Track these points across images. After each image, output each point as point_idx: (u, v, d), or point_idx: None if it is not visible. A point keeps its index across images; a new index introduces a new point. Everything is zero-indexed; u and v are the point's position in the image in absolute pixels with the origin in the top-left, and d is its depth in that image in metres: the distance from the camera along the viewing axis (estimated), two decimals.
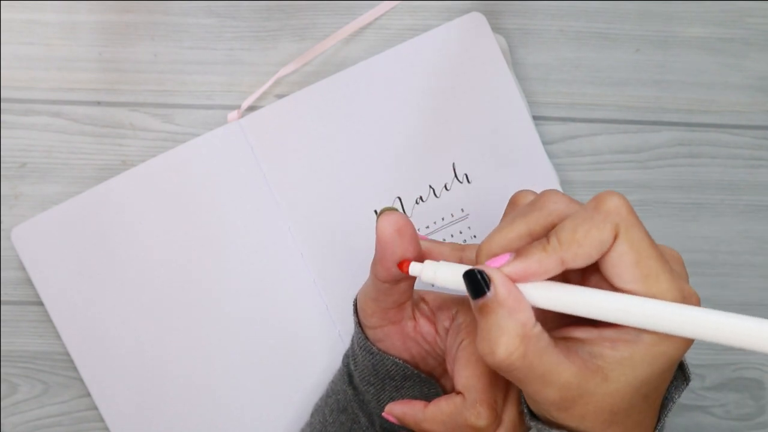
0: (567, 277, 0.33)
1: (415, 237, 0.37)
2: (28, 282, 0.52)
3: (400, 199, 0.52)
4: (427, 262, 0.36)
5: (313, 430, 0.46)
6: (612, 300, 0.32)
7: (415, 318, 0.41)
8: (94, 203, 0.51)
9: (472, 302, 0.33)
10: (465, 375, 0.37)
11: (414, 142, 0.52)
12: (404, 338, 0.40)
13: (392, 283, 0.38)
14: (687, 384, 0.36)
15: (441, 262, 0.36)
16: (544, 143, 0.53)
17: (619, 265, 0.32)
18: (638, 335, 0.32)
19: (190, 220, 0.52)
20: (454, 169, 0.52)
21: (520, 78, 0.54)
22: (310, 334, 0.52)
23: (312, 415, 0.48)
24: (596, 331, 0.33)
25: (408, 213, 0.52)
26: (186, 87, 0.53)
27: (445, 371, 0.42)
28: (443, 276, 0.35)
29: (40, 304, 0.52)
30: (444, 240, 0.52)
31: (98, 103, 0.53)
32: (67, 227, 0.51)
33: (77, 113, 0.53)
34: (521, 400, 0.37)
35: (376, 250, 0.37)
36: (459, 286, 0.34)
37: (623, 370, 0.32)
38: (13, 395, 0.53)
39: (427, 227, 0.52)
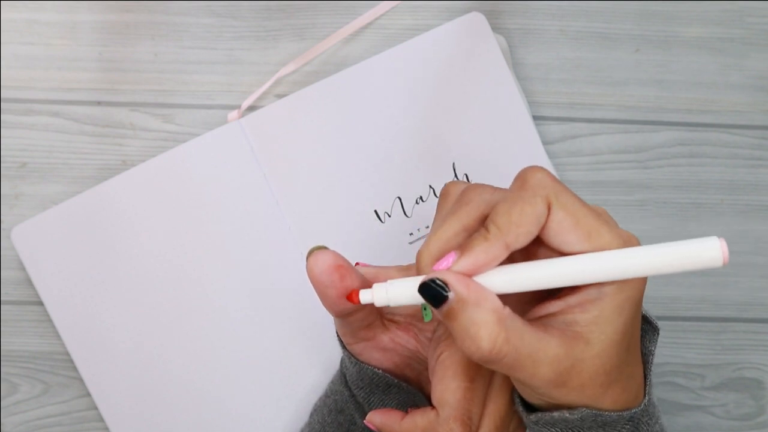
0: (512, 258, 0.33)
1: (351, 270, 0.36)
2: (28, 282, 0.52)
3: (400, 199, 0.52)
4: (375, 285, 0.35)
5: (312, 430, 0.46)
6: (568, 264, 0.32)
7: (389, 329, 0.40)
8: (94, 203, 0.51)
9: (435, 312, 0.32)
10: (440, 389, 0.37)
11: (414, 142, 0.52)
12: (382, 351, 0.40)
13: (347, 317, 0.37)
14: (658, 334, 0.37)
15: (388, 281, 0.34)
16: (544, 143, 0.53)
17: (560, 232, 0.32)
18: (600, 291, 0.32)
19: (190, 220, 0.52)
20: (454, 169, 0.52)
21: (520, 78, 0.54)
22: (310, 334, 0.52)
23: (311, 415, 0.48)
24: (560, 302, 0.33)
25: (408, 213, 0.52)
26: (186, 87, 0.53)
27: None
28: (396, 294, 0.34)
29: (40, 304, 0.52)
30: None
31: (98, 103, 0.53)
32: (67, 227, 0.51)
33: (77, 113, 0.53)
34: (513, 399, 0.37)
35: (316, 292, 0.36)
36: (415, 300, 0.33)
37: (601, 329, 0.32)
38: (13, 395, 0.53)
39: (427, 227, 0.52)
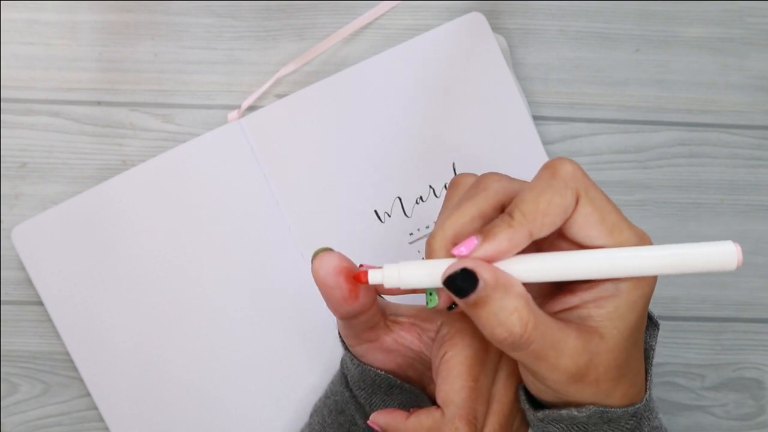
0: (524, 249, 0.33)
1: (356, 271, 0.35)
2: (28, 282, 0.52)
3: (400, 199, 0.52)
4: (385, 266, 0.33)
5: (312, 431, 0.46)
6: (590, 257, 0.32)
7: (393, 330, 0.40)
8: (94, 203, 0.51)
9: (461, 301, 0.32)
10: (444, 389, 0.37)
11: (414, 142, 0.52)
12: (385, 352, 0.40)
13: (351, 319, 0.37)
14: (658, 329, 0.37)
15: (401, 262, 0.33)
16: (544, 143, 0.53)
17: (586, 226, 0.32)
18: (617, 287, 0.32)
19: (190, 220, 0.52)
20: (454, 169, 0.52)
21: (520, 78, 0.54)
22: (311, 334, 0.52)
23: (311, 416, 0.48)
24: (575, 297, 0.33)
25: (408, 213, 0.52)
26: (186, 87, 0.53)
27: None
28: (409, 276, 0.33)
29: (40, 304, 0.52)
30: None
31: (98, 103, 0.53)
32: (67, 227, 0.51)
33: (77, 113, 0.53)
34: (517, 397, 0.37)
35: (321, 294, 0.36)
36: (429, 283, 0.32)
37: (615, 324, 0.32)
38: (13, 395, 0.53)
39: (427, 227, 0.52)
